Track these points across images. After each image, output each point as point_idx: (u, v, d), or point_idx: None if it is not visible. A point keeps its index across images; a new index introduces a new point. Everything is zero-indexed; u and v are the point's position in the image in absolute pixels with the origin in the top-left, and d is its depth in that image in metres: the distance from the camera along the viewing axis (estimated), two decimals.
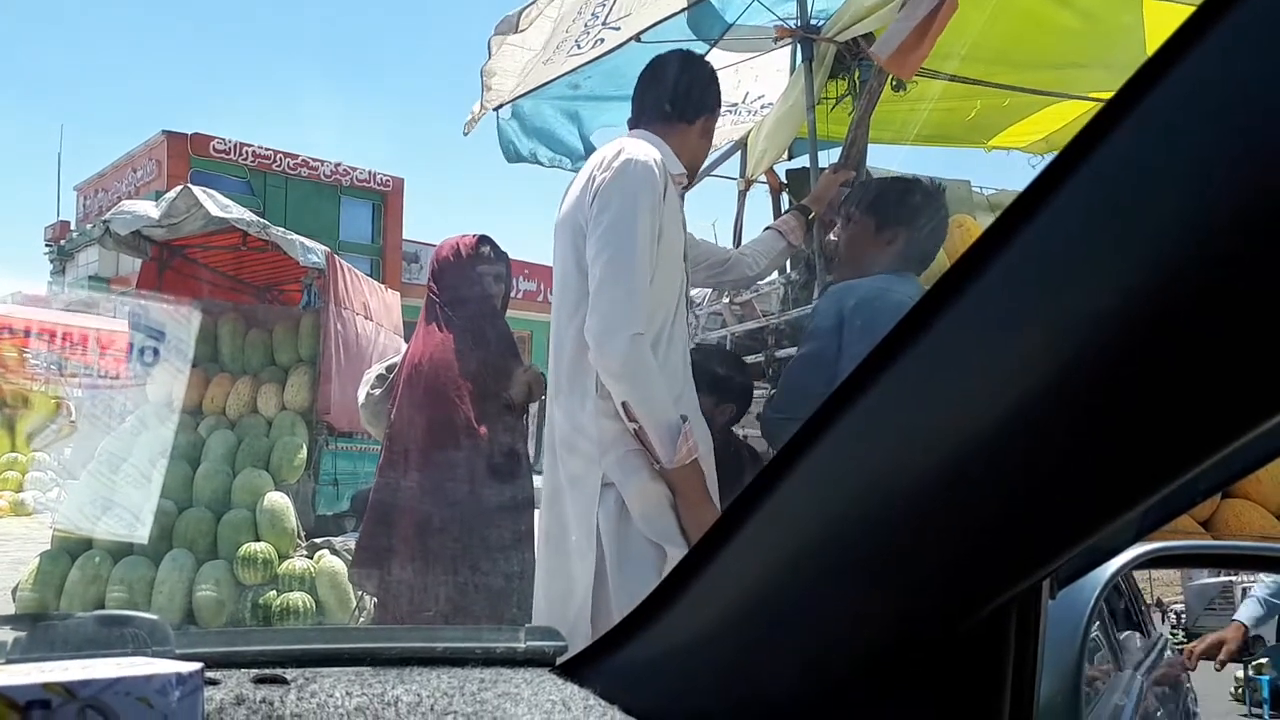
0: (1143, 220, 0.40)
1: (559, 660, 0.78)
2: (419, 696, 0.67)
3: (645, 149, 1.97)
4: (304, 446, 5.10)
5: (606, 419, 1.89)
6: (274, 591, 4.67)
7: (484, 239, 2.92)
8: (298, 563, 4.74)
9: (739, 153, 4.00)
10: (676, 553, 1.80)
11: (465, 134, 3.72)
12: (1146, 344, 0.40)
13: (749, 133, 3.84)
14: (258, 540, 4.75)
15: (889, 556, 0.53)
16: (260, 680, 0.68)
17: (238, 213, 5.20)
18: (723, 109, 2.40)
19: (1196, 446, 0.41)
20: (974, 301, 0.46)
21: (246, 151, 15.77)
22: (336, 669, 0.72)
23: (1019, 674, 0.56)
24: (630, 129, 2.19)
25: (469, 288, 2.83)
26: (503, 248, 2.97)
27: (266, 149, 15.75)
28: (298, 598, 4.63)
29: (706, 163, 2.56)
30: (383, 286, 6.64)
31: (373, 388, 2.91)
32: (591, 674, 0.73)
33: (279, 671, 0.69)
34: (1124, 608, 1.00)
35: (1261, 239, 0.37)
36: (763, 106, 3.96)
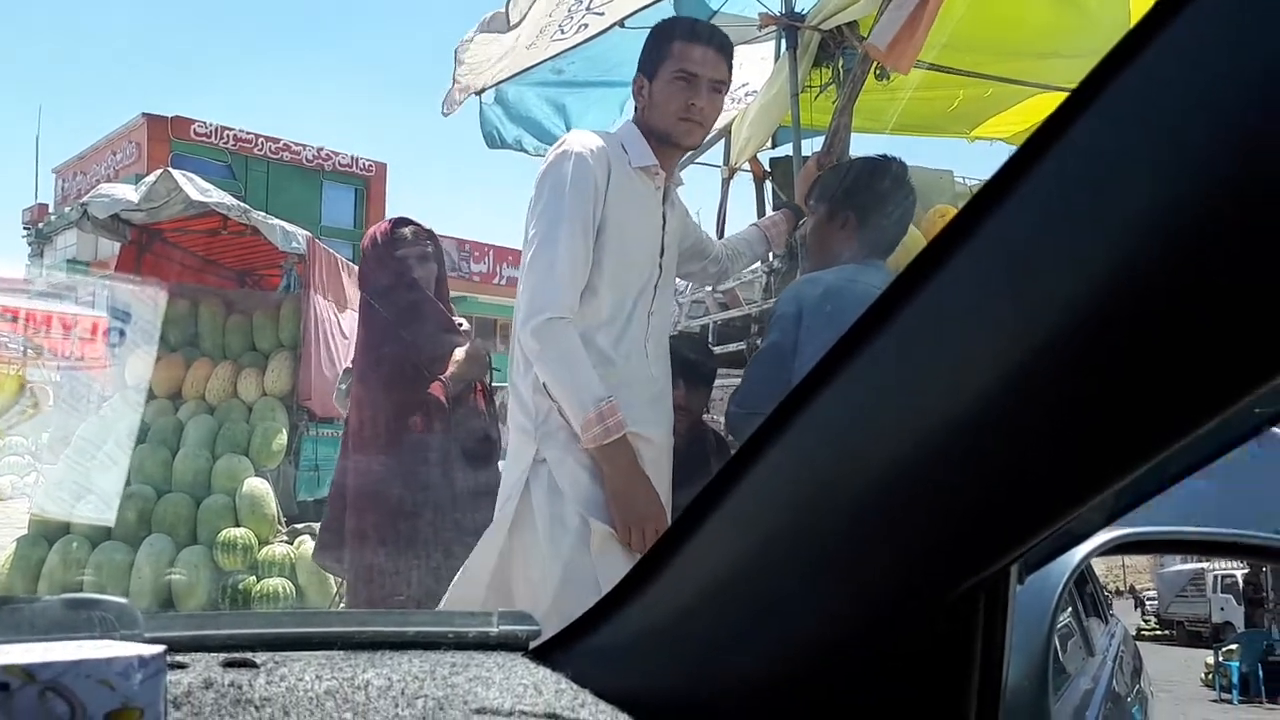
0: (1110, 207, 0.40)
1: (532, 645, 0.77)
2: (389, 680, 0.66)
3: (587, 139, 1.98)
4: (284, 432, 5.07)
5: (540, 395, 1.92)
6: (253, 577, 4.65)
7: (402, 221, 2.84)
8: (278, 548, 4.72)
9: (723, 140, 3.99)
10: (602, 529, 1.84)
11: (445, 114, 3.69)
12: (1114, 331, 0.40)
13: (733, 120, 3.84)
14: (237, 526, 4.72)
15: (859, 541, 0.53)
16: (229, 664, 0.67)
17: (218, 197, 5.15)
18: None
19: (1163, 432, 0.42)
20: (941, 290, 0.46)
21: (227, 135, 15.61)
22: (307, 653, 0.71)
23: (987, 657, 0.56)
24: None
25: (391, 273, 2.76)
26: (425, 227, 2.86)
27: (248, 132, 15.60)
28: (277, 583, 4.61)
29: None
30: None
31: (341, 382, 2.93)
32: (564, 658, 0.73)
33: (248, 655, 0.69)
34: (1089, 594, 1.01)
35: (1226, 227, 0.37)
36: (747, 94, 3.96)
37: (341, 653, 0.71)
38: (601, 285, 1.95)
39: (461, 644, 0.74)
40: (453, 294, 3.14)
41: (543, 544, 1.88)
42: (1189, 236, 0.38)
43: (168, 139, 15.38)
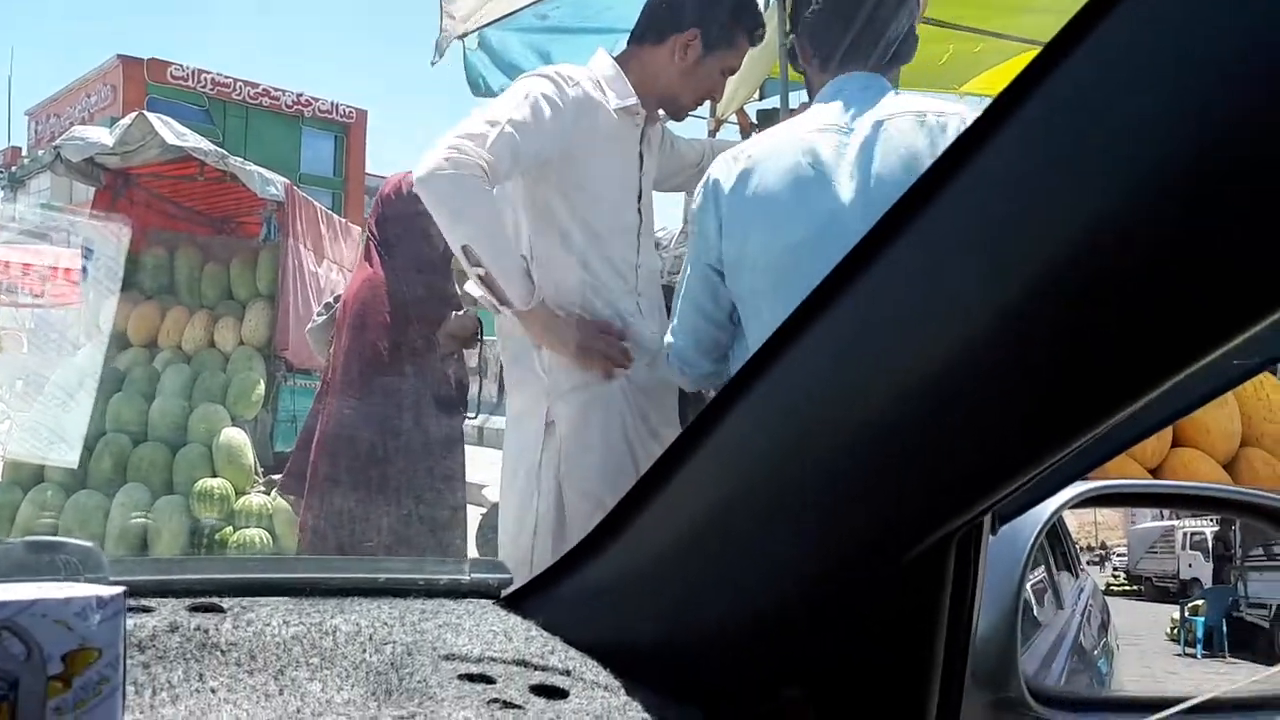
0: (1070, 175, 0.39)
1: (504, 593, 0.77)
2: (358, 626, 0.66)
3: (568, 69, 1.89)
4: (261, 382, 5.04)
5: (555, 357, 1.87)
6: (230, 527, 4.64)
7: None
8: (255, 499, 4.71)
9: None
10: (613, 499, 1.79)
11: (433, 65, 3.62)
12: (1078, 291, 0.40)
13: None
14: (214, 476, 4.70)
15: (830, 493, 0.52)
16: (195, 608, 0.67)
17: (194, 141, 5.05)
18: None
19: (1129, 387, 0.41)
20: (914, 240, 0.45)
21: (205, 79, 15.29)
22: (276, 599, 0.70)
23: (957, 607, 0.56)
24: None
25: (407, 227, 2.72)
26: None
27: (226, 77, 15.29)
28: (254, 533, 4.61)
29: None
30: (343, 220, 6.52)
31: (318, 314, 2.89)
32: (535, 606, 0.73)
33: (215, 600, 0.68)
34: (1061, 549, 1.01)
35: (1184, 197, 0.36)
36: None
37: (310, 599, 0.71)
38: (575, 233, 1.86)
39: (433, 591, 0.74)
40: None
41: (551, 512, 1.85)
42: (1149, 203, 0.37)
43: (143, 81, 15.04)
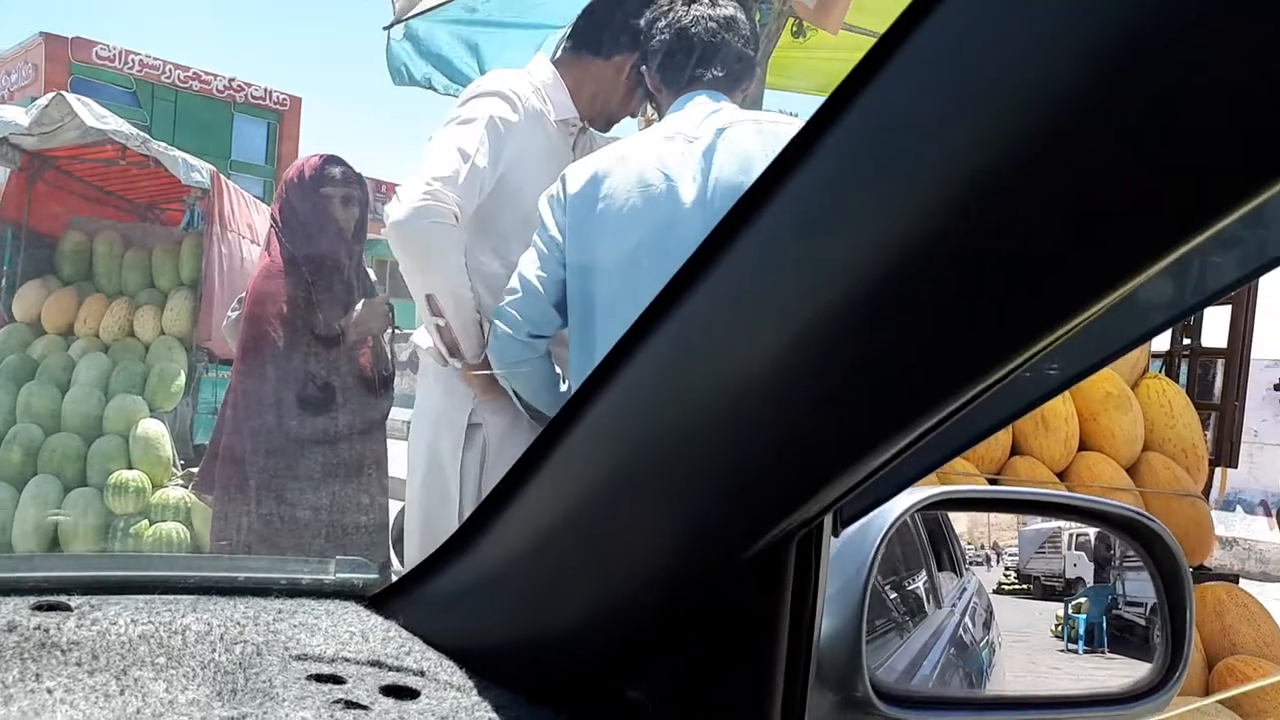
0: (897, 169, 0.40)
1: (373, 592, 0.76)
2: (209, 625, 0.65)
3: (514, 82, 1.90)
4: (182, 373, 4.92)
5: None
6: (146, 521, 4.52)
7: (333, 159, 2.72)
8: (172, 492, 4.60)
9: None
10: None
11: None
12: (902, 287, 0.41)
13: None
14: (130, 468, 4.58)
15: (674, 490, 0.53)
16: (40, 607, 0.65)
17: (115, 124, 4.91)
18: None
19: (938, 388, 0.42)
20: (748, 241, 0.46)
21: (132, 60, 14.82)
22: (129, 597, 0.69)
23: (799, 607, 0.57)
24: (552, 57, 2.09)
25: (311, 211, 2.65)
26: (356, 169, 2.74)
27: (155, 58, 14.83)
28: (171, 528, 4.50)
29: None
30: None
31: (231, 310, 2.83)
32: (401, 605, 0.72)
33: (62, 599, 0.66)
34: (945, 550, 1.04)
35: (1011, 189, 0.37)
36: None
37: (165, 597, 0.69)
38: (512, 243, 1.86)
39: (295, 591, 0.73)
40: (371, 237, 3.04)
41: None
42: (977, 195, 0.38)
43: (67, 61, 14.52)
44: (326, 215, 2.65)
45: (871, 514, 0.65)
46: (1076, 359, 0.53)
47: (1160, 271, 0.39)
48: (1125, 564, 1.27)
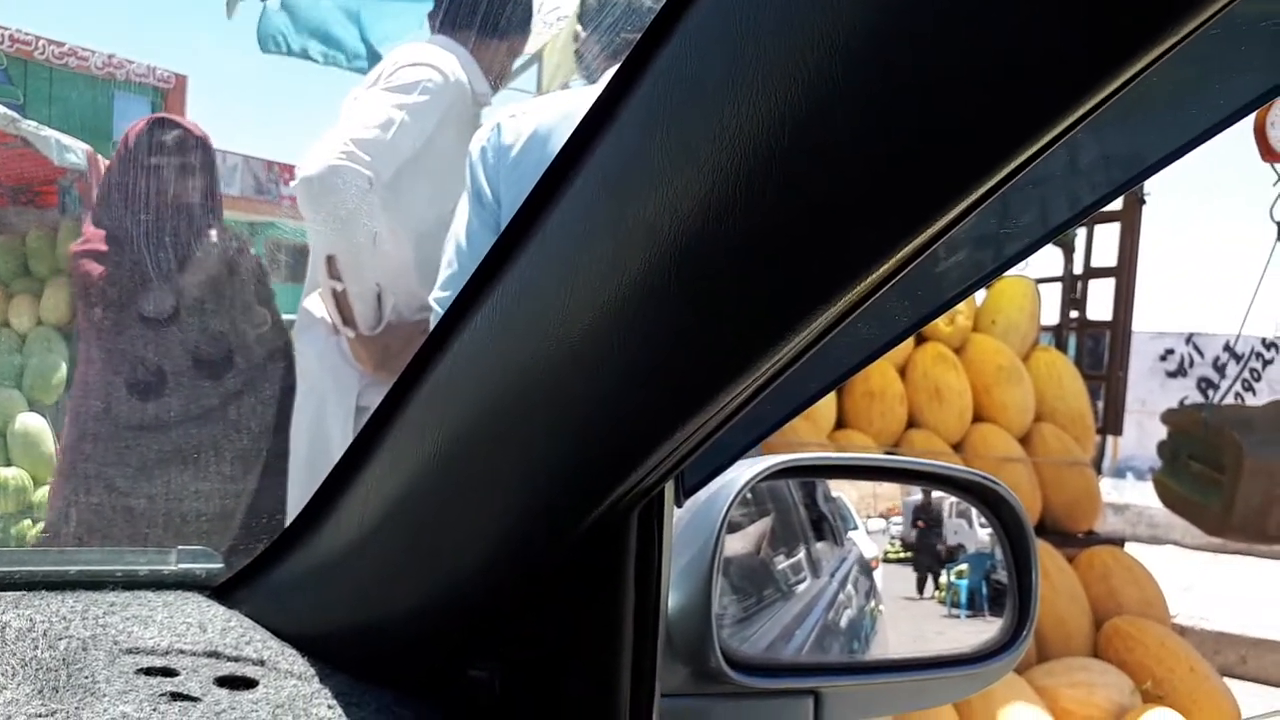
0: (692, 132, 0.39)
1: (217, 583, 0.73)
2: (32, 622, 0.61)
3: (436, 55, 1.88)
4: (64, 365, 4.69)
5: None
6: (29, 520, 4.31)
7: (165, 122, 2.45)
8: None
9: (534, 66, 3.90)
10: None
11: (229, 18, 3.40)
12: (698, 259, 0.40)
13: (544, 45, 3.75)
14: (9, 465, 4.35)
15: (493, 470, 0.52)
16: None
17: None
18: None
19: (761, 345, 0.42)
20: (560, 214, 0.45)
21: (3, 35, 14.02)
22: None
23: (643, 578, 0.57)
24: (434, 30, 2.05)
25: (140, 183, 2.37)
26: (200, 132, 2.40)
27: (27, 34, 14.04)
28: None
29: None
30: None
31: None
32: (245, 595, 0.69)
33: None
34: (818, 519, 1.05)
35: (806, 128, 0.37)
36: (559, 19, 3.87)
37: None
38: (428, 216, 1.85)
39: (133, 584, 0.69)
40: (260, 219, 2.86)
41: None
42: (775, 148, 0.38)
43: None
44: (155, 187, 2.33)
45: (718, 485, 0.66)
46: (889, 323, 0.53)
47: (959, 236, 0.40)
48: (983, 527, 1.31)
